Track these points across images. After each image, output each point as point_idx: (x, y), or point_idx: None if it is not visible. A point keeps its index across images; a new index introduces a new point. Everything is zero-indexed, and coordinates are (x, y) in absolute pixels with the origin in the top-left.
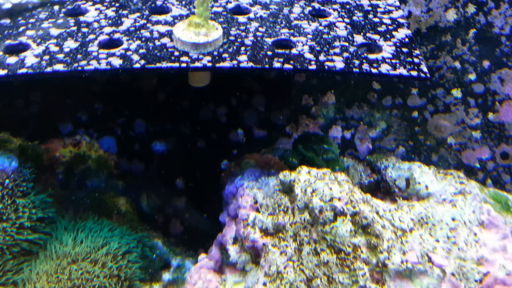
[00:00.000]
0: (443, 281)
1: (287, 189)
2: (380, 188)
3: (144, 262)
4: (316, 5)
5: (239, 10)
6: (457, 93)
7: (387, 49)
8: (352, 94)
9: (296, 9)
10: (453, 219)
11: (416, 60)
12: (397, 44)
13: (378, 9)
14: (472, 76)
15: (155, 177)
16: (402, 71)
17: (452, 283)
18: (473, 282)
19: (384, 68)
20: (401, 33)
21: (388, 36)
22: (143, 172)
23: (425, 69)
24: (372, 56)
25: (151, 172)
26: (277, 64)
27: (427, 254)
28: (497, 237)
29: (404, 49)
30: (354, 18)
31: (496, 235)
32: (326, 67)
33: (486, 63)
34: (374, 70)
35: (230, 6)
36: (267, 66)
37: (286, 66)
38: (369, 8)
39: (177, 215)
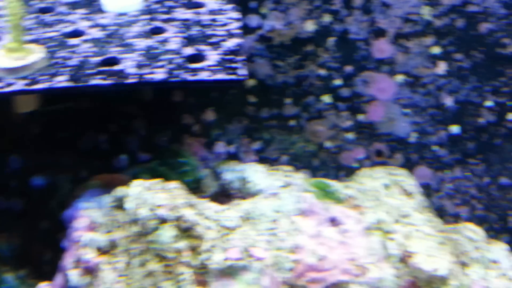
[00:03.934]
0: (263, 274)
1: (121, 204)
2: (223, 192)
3: None
4: (157, 23)
5: (75, 33)
6: (326, 98)
7: (213, 58)
8: (231, 109)
9: (135, 28)
10: (276, 211)
11: (236, 65)
12: (224, 52)
13: (217, 23)
14: (338, 82)
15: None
16: (220, 76)
17: (270, 275)
18: (286, 271)
19: (204, 75)
20: (231, 43)
21: (217, 46)
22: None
23: (242, 72)
24: (195, 65)
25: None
26: (95, 81)
27: (248, 249)
28: (314, 224)
29: (229, 57)
30: (190, 32)
31: (313, 221)
32: (145, 79)
33: (348, 68)
34: (192, 78)
35: (66, 30)
36: (83, 84)
37: (104, 82)
38: (209, 22)
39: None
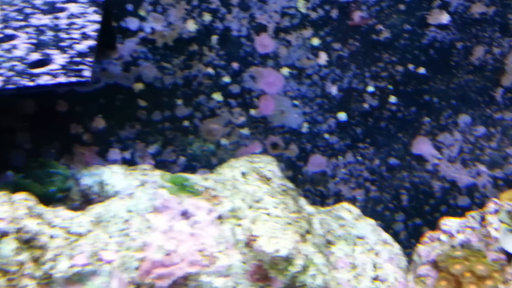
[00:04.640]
0: (112, 276)
1: None
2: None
3: None
4: (8, 31)
5: None
6: (218, 96)
7: (59, 61)
8: (121, 115)
9: None
10: (129, 211)
11: (83, 67)
12: (72, 55)
13: (74, 26)
14: (227, 79)
15: None
16: (61, 79)
17: (118, 277)
18: (133, 270)
19: (45, 79)
20: (84, 45)
21: (68, 49)
22: None
23: (86, 73)
24: (38, 71)
25: None
26: None
27: (98, 253)
28: (167, 219)
29: (77, 59)
30: (42, 37)
31: (166, 217)
32: None
33: (235, 65)
34: (30, 83)
35: None
36: None
37: None
38: (65, 26)
39: None
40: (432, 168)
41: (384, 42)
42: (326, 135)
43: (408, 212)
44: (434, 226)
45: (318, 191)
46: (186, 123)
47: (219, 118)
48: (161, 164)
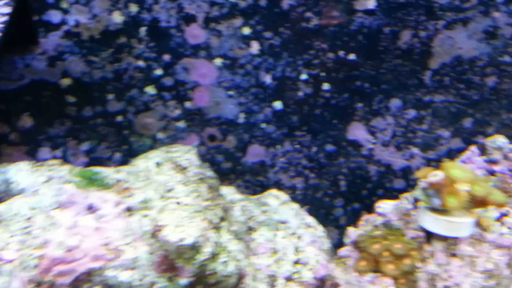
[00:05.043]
0: (14, 276)
1: None
2: None
3: None
4: None
5: None
6: (151, 90)
7: None
8: (50, 112)
9: None
10: (32, 208)
11: None
12: None
13: None
14: (159, 71)
15: None
16: None
17: (18, 276)
18: (32, 269)
19: None
20: None
21: None
22: None
23: None
24: None
25: None
26: None
27: None
28: (72, 214)
29: None
30: None
31: (71, 212)
32: None
33: (166, 57)
34: None
35: None
36: None
37: None
38: None
39: None
40: (367, 153)
41: (314, 29)
42: (263, 125)
43: (347, 197)
44: (371, 209)
45: (258, 181)
46: (119, 118)
47: (154, 112)
48: (95, 161)
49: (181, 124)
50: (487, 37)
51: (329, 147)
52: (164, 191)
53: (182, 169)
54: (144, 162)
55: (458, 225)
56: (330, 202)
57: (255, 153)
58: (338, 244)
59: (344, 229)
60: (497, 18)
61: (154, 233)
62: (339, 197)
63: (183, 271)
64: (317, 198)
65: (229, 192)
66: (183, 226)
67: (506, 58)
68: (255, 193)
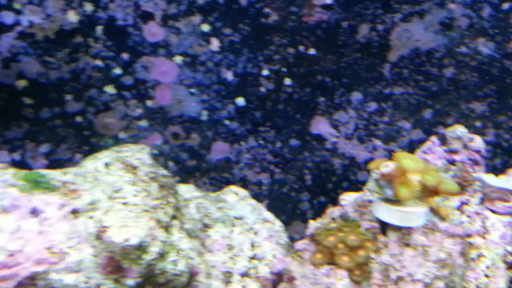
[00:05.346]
0: None
1: None
2: None
3: None
4: None
5: None
6: (110, 89)
7: None
8: (6, 115)
9: None
10: None
11: None
12: None
13: None
14: (118, 71)
15: None
16: None
17: None
18: None
19: None
20: None
21: None
22: None
23: None
24: None
25: None
26: None
27: None
28: (15, 219)
29: None
30: None
31: (14, 216)
32: None
33: (125, 55)
34: None
35: None
36: None
37: None
38: None
39: None
40: (331, 147)
41: (273, 25)
42: (227, 122)
43: (313, 191)
44: (337, 202)
45: (224, 178)
46: (78, 119)
47: (114, 112)
48: (55, 164)
49: (143, 123)
50: (443, 28)
51: (294, 141)
52: (112, 192)
53: (132, 168)
54: (93, 163)
55: (411, 215)
56: (296, 197)
57: (220, 150)
58: (303, 238)
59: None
60: (453, 10)
61: (99, 235)
62: (305, 191)
63: (130, 271)
64: (283, 193)
65: (188, 190)
66: (128, 227)
67: (463, 49)
68: (221, 190)
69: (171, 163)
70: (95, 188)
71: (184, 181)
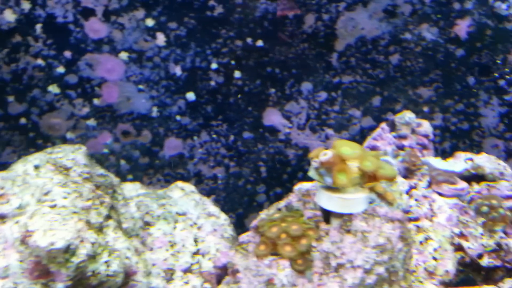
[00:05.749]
0: None
1: None
2: None
3: None
4: None
5: None
6: (54, 89)
7: None
8: None
9: None
10: None
11: None
12: None
13: None
14: (61, 69)
15: None
16: None
17: None
18: None
19: None
20: None
21: None
22: None
23: None
24: None
25: None
26: None
27: None
28: None
29: None
30: None
31: None
32: None
33: (67, 53)
34: None
35: None
36: None
37: None
38: None
39: None
40: (284, 137)
41: (219, 17)
42: (178, 117)
43: (268, 183)
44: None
45: (179, 174)
46: (22, 120)
47: (60, 112)
48: (1, 168)
49: (91, 122)
50: (387, 16)
51: (247, 134)
52: (41, 195)
53: (64, 169)
54: (23, 166)
55: (351, 201)
56: (252, 189)
57: (173, 146)
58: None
59: None
60: None
61: (24, 240)
62: (261, 183)
63: (59, 275)
64: (239, 186)
65: (133, 188)
66: (54, 230)
67: (407, 36)
68: None
69: (123, 162)
70: (24, 191)
71: (138, 179)
